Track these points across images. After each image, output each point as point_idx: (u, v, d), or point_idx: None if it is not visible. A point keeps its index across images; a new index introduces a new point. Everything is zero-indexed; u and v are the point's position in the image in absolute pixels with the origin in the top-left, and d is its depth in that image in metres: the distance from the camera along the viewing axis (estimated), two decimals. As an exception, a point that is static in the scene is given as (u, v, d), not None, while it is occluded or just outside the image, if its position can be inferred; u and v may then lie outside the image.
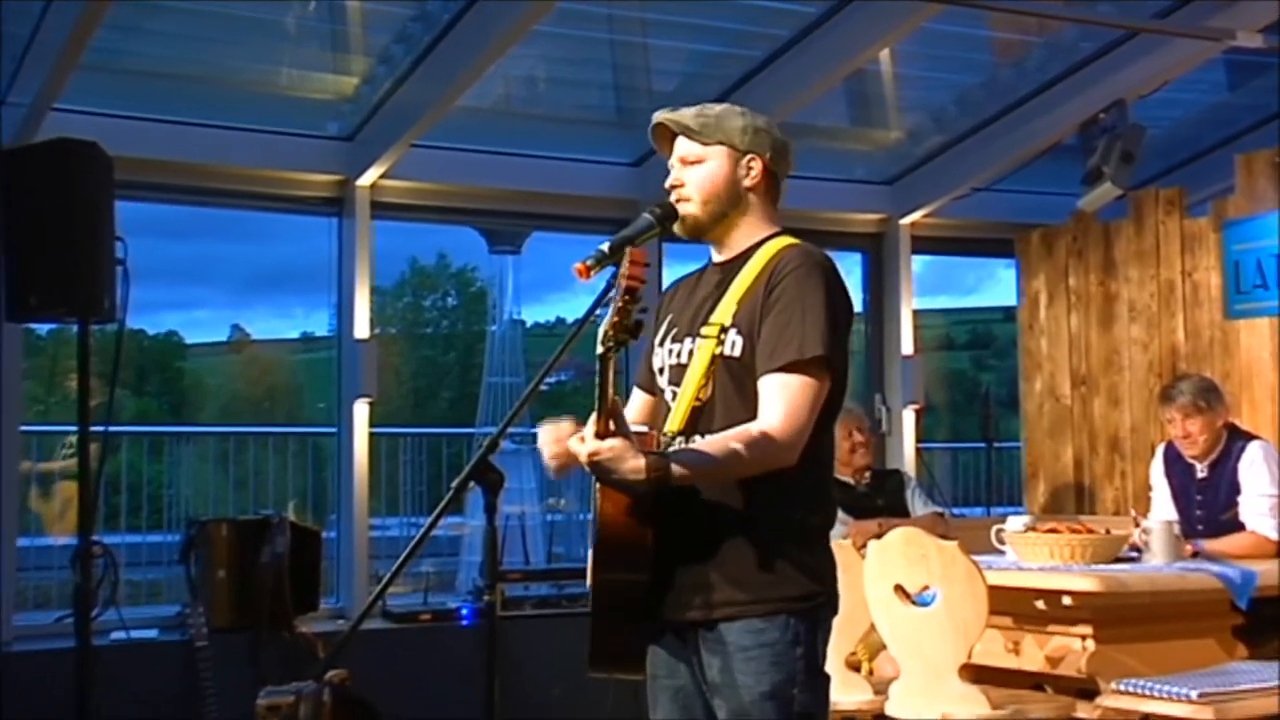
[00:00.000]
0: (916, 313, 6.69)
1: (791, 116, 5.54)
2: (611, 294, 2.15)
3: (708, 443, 2.32)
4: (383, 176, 5.51)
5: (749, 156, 2.48)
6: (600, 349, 2.16)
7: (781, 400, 2.31)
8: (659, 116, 2.53)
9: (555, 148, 5.96)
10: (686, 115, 2.50)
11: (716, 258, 2.54)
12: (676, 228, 2.49)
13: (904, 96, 6.31)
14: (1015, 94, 6.04)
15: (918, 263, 6.77)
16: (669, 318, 2.58)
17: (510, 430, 2.32)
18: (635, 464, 2.21)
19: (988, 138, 6.19)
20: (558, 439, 2.40)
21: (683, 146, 2.49)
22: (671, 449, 2.38)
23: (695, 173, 2.47)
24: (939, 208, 6.52)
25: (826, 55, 5.29)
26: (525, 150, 5.86)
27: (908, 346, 6.54)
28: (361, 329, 5.52)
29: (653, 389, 2.59)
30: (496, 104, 5.75)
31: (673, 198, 2.49)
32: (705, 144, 2.46)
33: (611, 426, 2.21)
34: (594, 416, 2.23)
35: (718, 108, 2.52)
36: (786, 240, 2.48)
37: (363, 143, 5.48)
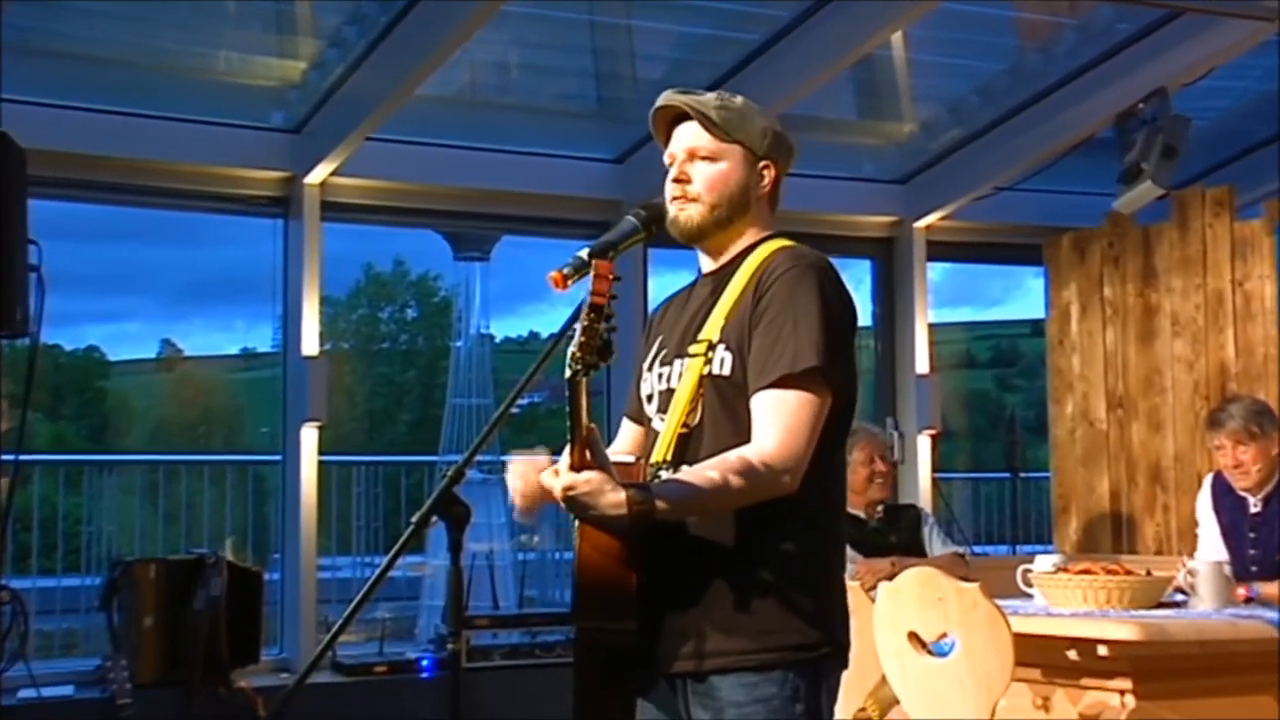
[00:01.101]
0: (933, 327, 6.71)
1: (792, 108, 5.56)
2: (582, 313, 2.16)
3: (695, 472, 2.31)
4: (334, 173, 5.51)
5: (764, 163, 2.49)
6: (568, 373, 2.16)
7: (776, 420, 2.31)
8: (672, 97, 2.51)
9: (528, 142, 5.97)
10: (706, 101, 2.49)
11: (707, 266, 2.55)
12: (672, 228, 2.49)
13: (918, 85, 6.34)
14: (1043, 82, 6.07)
15: (934, 271, 6.81)
16: (659, 340, 2.58)
17: (478, 458, 2.31)
18: (615, 498, 2.20)
19: (1012, 131, 6.22)
20: (526, 477, 2.40)
21: (695, 137, 2.48)
22: (656, 481, 2.38)
23: (708, 170, 2.46)
24: (957, 209, 6.55)
25: (831, 39, 5.31)
26: (494, 145, 5.87)
27: (923, 364, 6.56)
28: (310, 344, 5.51)
29: (641, 419, 2.59)
30: (462, 93, 5.76)
31: (672, 193, 2.48)
32: (722, 140, 2.46)
33: (588, 457, 2.22)
34: (568, 448, 2.23)
35: (739, 100, 2.51)
36: (779, 243, 2.48)
37: (311, 135, 5.48)
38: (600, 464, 2.23)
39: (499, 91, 5.95)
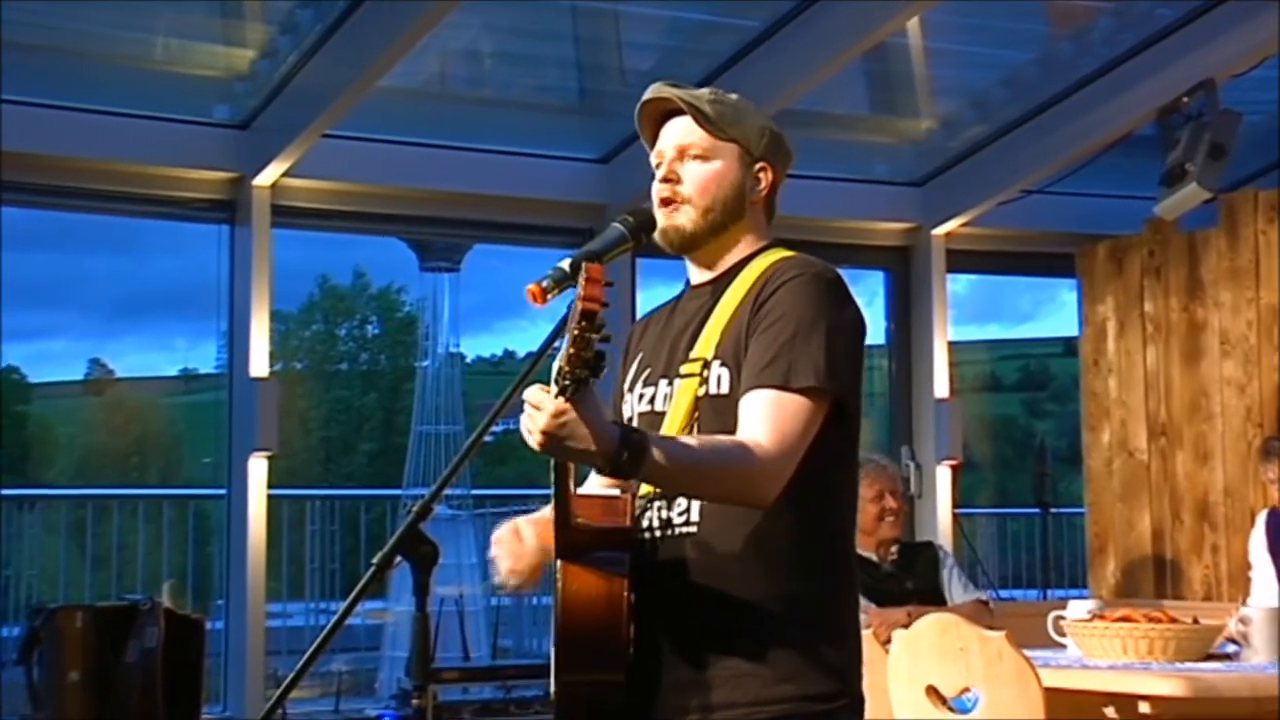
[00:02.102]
0: (953, 345, 6.73)
1: (797, 102, 5.59)
2: (570, 321, 2.14)
3: (694, 438, 2.32)
4: (286, 174, 5.51)
5: (760, 166, 2.50)
6: (554, 390, 2.16)
7: (768, 416, 2.31)
8: (661, 89, 2.51)
9: (503, 140, 5.98)
10: (700, 96, 2.49)
11: (697, 278, 2.55)
12: (660, 237, 2.48)
13: (937, 77, 6.36)
14: (1076, 73, 6.10)
15: (955, 283, 6.84)
16: (639, 357, 2.57)
17: (446, 492, 2.31)
18: (608, 430, 2.16)
19: (1042, 128, 6.25)
20: (516, 551, 2.40)
21: (686, 133, 2.49)
22: (642, 501, 2.39)
23: (699, 171, 2.47)
24: (980, 215, 6.57)
25: (840, 26, 5.33)
26: (466, 143, 5.89)
27: (942, 387, 6.57)
28: (258, 365, 5.50)
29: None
30: (429, 85, 5.78)
31: (660, 194, 2.49)
32: (717, 138, 2.47)
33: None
34: (551, 505, 2.22)
35: (733, 96, 2.53)
36: (780, 252, 2.49)
37: (260, 131, 5.49)
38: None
39: (471, 83, 5.96)
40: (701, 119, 2.48)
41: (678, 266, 2.65)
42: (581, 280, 2.11)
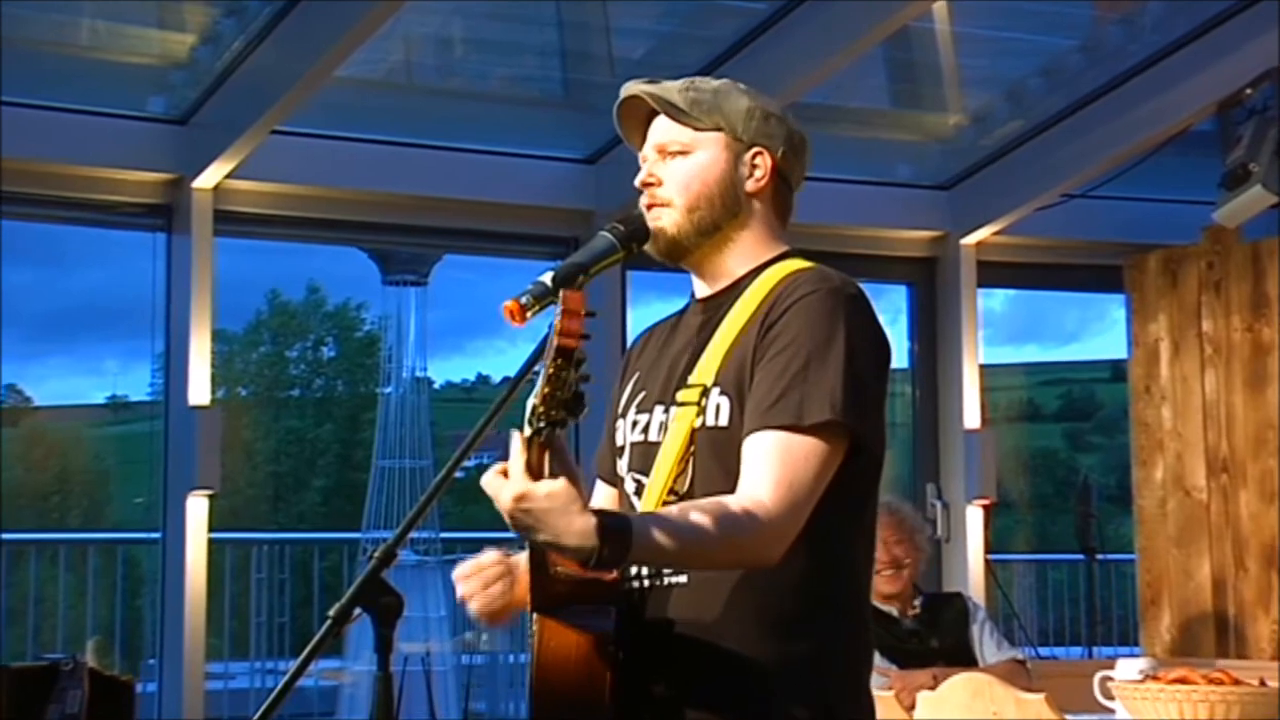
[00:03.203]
0: (985, 369, 6.74)
1: (809, 96, 5.60)
2: (545, 355, 2.14)
3: (684, 507, 2.30)
4: (230, 175, 5.52)
5: (754, 150, 2.50)
6: (527, 430, 2.17)
7: (772, 466, 2.30)
8: (631, 88, 2.54)
9: (477, 137, 6.00)
10: (670, 88, 2.51)
11: (700, 290, 2.56)
12: (652, 247, 2.49)
13: (968, 67, 6.38)
14: (1124, 63, 6.12)
15: (989, 299, 6.86)
16: (635, 377, 2.59)
17: (412, 536, 2.31)
18: (582, 523, 2.16)
19: (1085, 124, 6.27)
20: (485, 579, 2.39)
21: (663, 131, 2.51)
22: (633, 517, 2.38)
23: (678, 167, 2.49)
24: (1016, 222, 6.58)
25: (858, 9, 5.35)
26: (434, 140, 5.90)
27: (973, 417, 6.58)
28: (198, 391, 5.50)
29: (612, 478, 2.59)
30: (393, 75, 5.79)
31: (643, 202, 2.51)
32: (696, 129, 2.49)
33: (547, 463, 2.18)
34: (521, 446, 2.19)
35: (714, 82, 2.54)
36: (795, 263, 2.49)
37: (201, 127, 5.49)
38: (567, 472, 2.19)
39: (440, 73, 5.98)
40: (674, 112, 2.49)
41: (674, 280, 2.66)
42: (557, 311, 2.12)
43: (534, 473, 2.17)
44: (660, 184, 2.49)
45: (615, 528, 2.18)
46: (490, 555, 2.42)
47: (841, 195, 6.35)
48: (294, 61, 5.10)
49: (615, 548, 2.17)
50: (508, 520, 2.17)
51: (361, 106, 5.74)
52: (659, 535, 2.23)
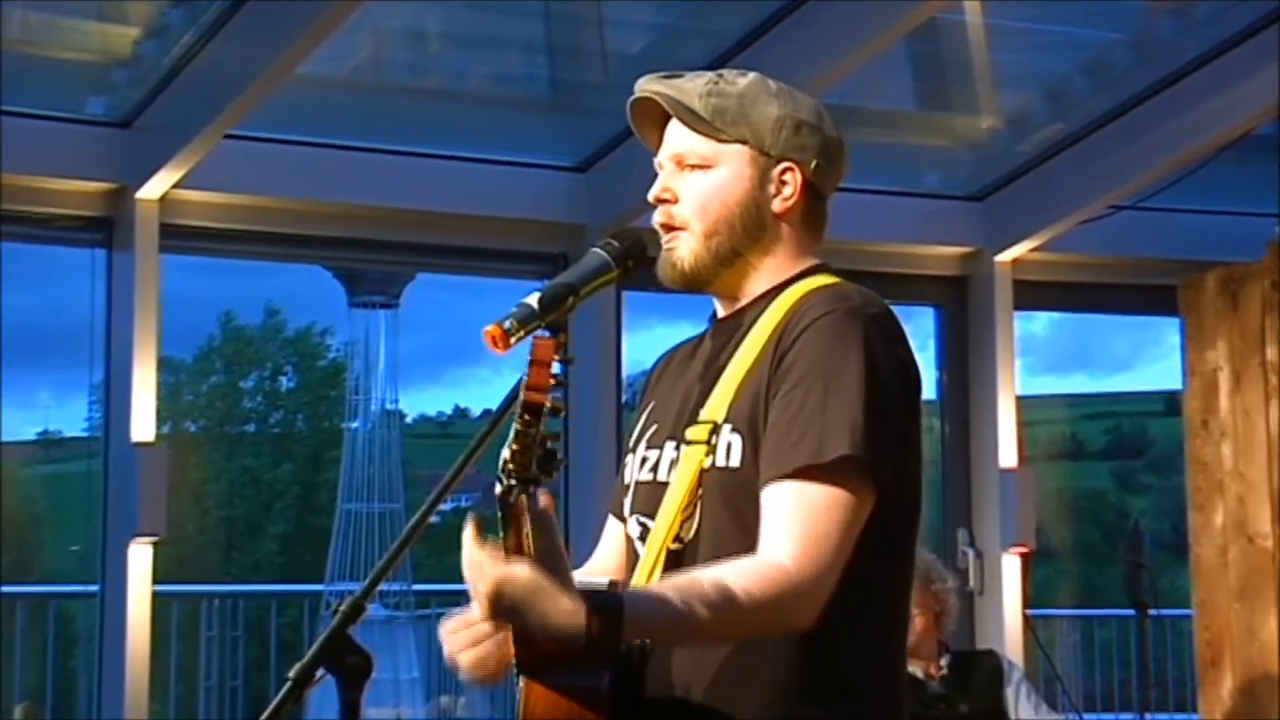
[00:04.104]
0: (1024, 401, 6.73)
1: (824, 96, 5.55)
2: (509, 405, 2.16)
3: (686, 581, 2.30)
4: (178, 184, 5.52)
5: (784, 166, 2.50)
6: (498, 488, 2.17)
7: (794, 523, 2.30)
8: (646, 86, 2.54)
9: (455, 142, 6.01)
10: (690, 91, 2.50)
11: (721, 312, 2.56)
12: (662, 274, 2.50)
13: (1003, 64, 6.40)
14: (1178, 59, 6.12)
15: (1029, 323, 6.88)
16: (650, 407, 2.60)
17: (381, 588, 2.32)
18: (566, 605, 2.18)
19: (1135, 127, 6.28)
20: (475, 635, 2.37)
21: (681, 139, 2.51)
22: (627, 591, 2.37)
23: (697, 184, 2.48)
24: (1057, 237, 6.59)
25: (879, 1, 5.37)
26: (407, 146, 5.91)
27: (1009, 454, 6.58)
28: (142, 427, 5.50)
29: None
30: (361, 73, 5.80)
31: (657, 219, 2.52)
32: (720, 140, 2.48)
33: (528, 543, 2.20)
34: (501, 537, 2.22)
35: (741, 81, 2.52)
36: (816, 280, 2.49)
37: (146, 131, 5.50)
38: (551, 547, 2.22)
39: (414, 71, 5.98)
40: (693, 121, 2.49)
41: (677, 302, 2.66)
42: (529, 360, 2.13)
43: (515, 553, 2.19)
44: (676, 200, 2.49)
45: (606, 609, 2.19)
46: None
47: (861, 207, 6.33)
48: (250, 57, 5.11)
49: (606, 630, 2.19)
50: (490, 607, 2.19)
51: (326, 108, 5.75)
52: (659, 614, 2.24)
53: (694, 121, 2.48)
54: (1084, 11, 6.14)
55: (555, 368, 2.15)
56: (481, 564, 2.19)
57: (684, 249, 2.48)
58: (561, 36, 5.97)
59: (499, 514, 2.19)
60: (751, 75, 2.54)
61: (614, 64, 5.93)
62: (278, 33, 5.02)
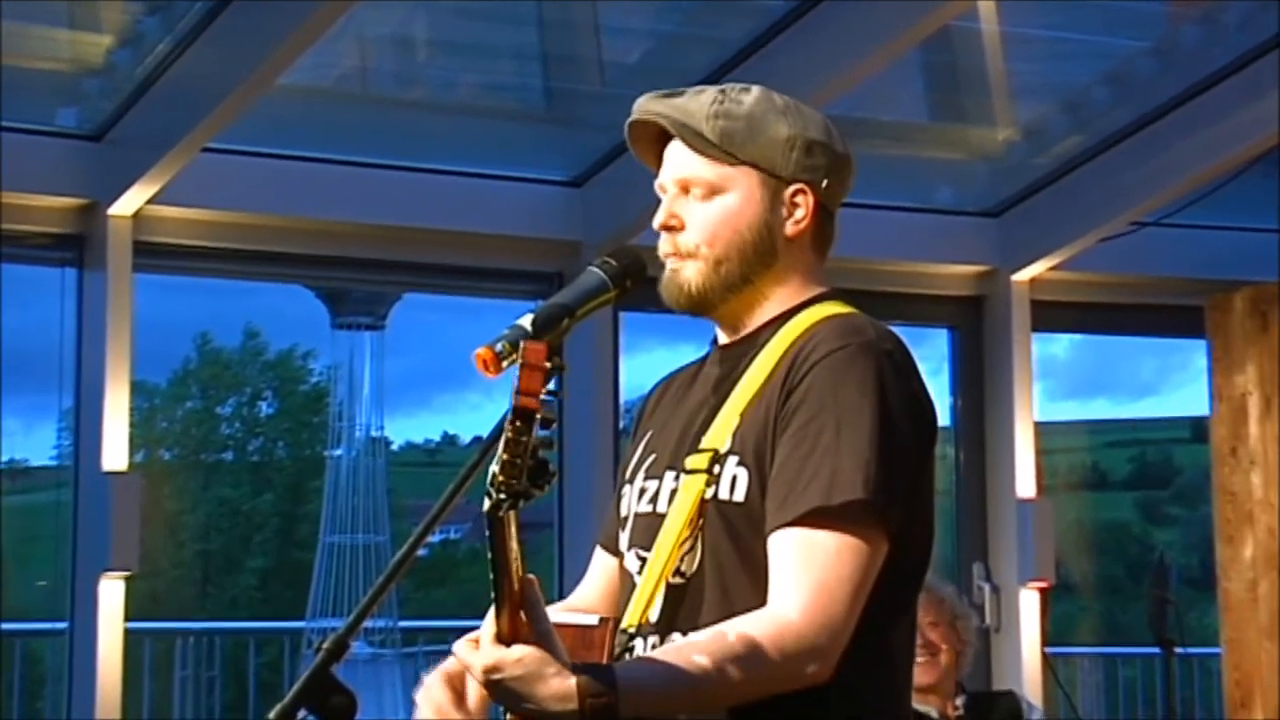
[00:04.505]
0: (1042, 427, 6.73)
1: (833, 106, 5.60)
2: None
3: (680, 649, 2.31)
4: (153, 200, 5.53)
5: (796, 188, 2.51)
6: (486, 504, 2.17)
7: (804, 573, 2.31)
8: (648, 108, 2.54)
9: (444, 155, 6.02)
10: (695, 112, 2.50)
11: (723, 338, 2.57)
12: (666, 294, 2.51)
13: (1020, 74, 6.40)
14: (1204, 67, 6.12)
15: (1049, 345, 6.86)
16: (647, 437, 2.61)
17: (366, 625, 2.32)
18: (559, 687, 2.20)
19: (1158, 139, 6.28)
20: (439, 707, 2.39)
21: (685, 163, 2.51)
22: (625, 661, 2.38)
23: (705, 210, 2.48)
24: (1077, 255, 6.59)
25: (890, 7, 5.37)
26: (394, 159, 5.91)
27: (1027, 484, 6.58)
28: (114, 455, 5.50)
29: (618, 549, 2.60)
30: (346, 83, 5.81)
31: (663, 248, 2.51)
32: (728, 163, 2.48)
33: (521, 622, 2.22)
34: (492, 609, 2.23)
35: (747, 99, 2.51)
36: (826, 309, 2.50)
37: (119, 144, 5.50)
38: (540, 633, 2.23)
39: (401, 81, 5.99)
40: (698, 145, 2.48)
41: (678, 324, 2.66)
42: (519, 365, 2.13)
43: (505, 640, 2.21)
44: (683, 227, 2.50)
45: (599, 687, 2.21)
46: (439, 677, 2.42)
47: (871, 223, 6.33)
48: (228, 67, 5.12)
49: (600, 703, 2.21)
50: (485, 689, 2.25)
51: (308, 119, 5.76)
52: (660, 686, 2.25)
53: (702, 146, 2.48)
54: (1105, 18, 6.15)
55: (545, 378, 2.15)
56: (479, 648, 2.24)
57: (692, 272, 2.49)
58: (556, 44, 5.98)
59: (486, 533, 2.19)
60: (756, 91, 2.53)
61: (611, 73, 5.94)
62: (258, 40, 5.03)
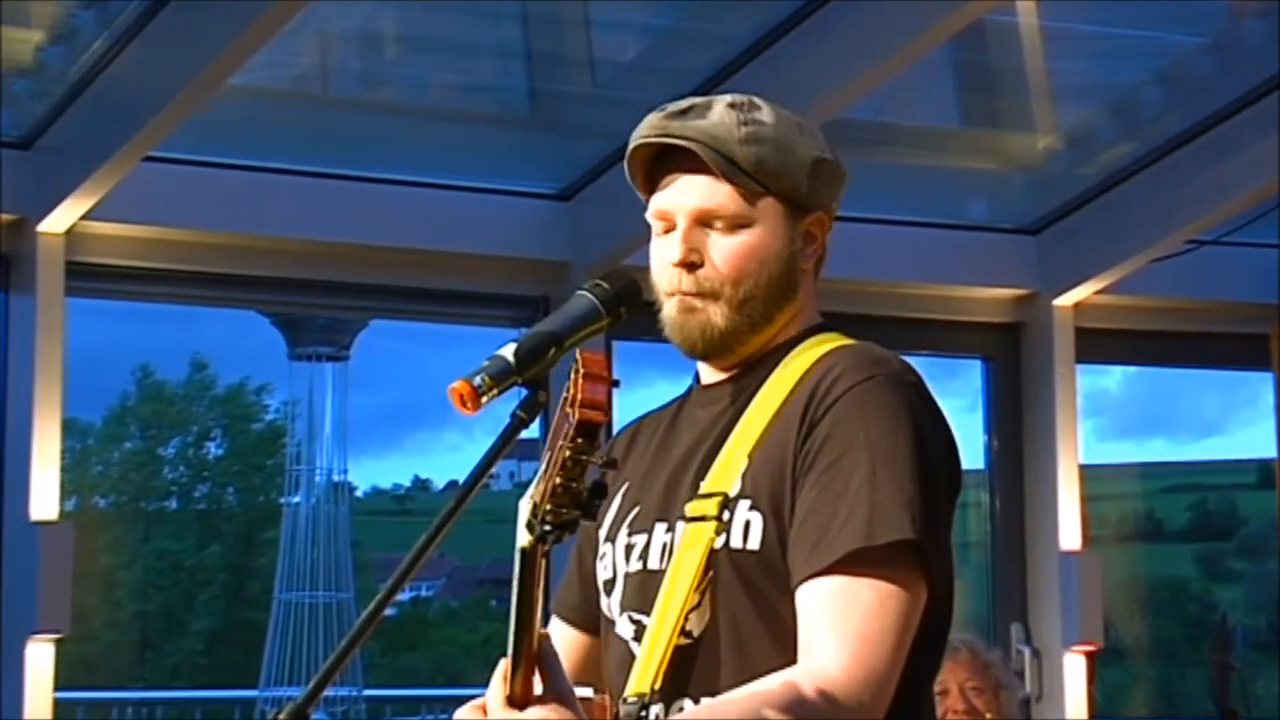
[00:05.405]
0: (1088, 471, 6.73)
1: (852, 110, 5.62)
2: (556, 435, 2.13)
3: (717, 705, 2.33)
4: (88, 215, 5.53)
5: (813, 216, 2.53)
6: (526, 538, 2.16)
7: (842, 624, 2.32)
8: (666, 128, 2.52)
9: (416, 166, 6.03)
10: (724, 133, 2.49)
11: (710, 375, 2.58)
12: (673, 334, 2.51)
13: (1061, 73, 6.41)
14: (1268, 67, 6.10)
15: (1097, 378, 6.89)
16: (624, 488, 2.61)
17: (328, 693, 2.32)
18: None
19: (1217, 147, 6.28)
20: None
21: (709, 193, 2.50)
22: (632, 705, 2.39)
23: (731, 246, 2.49)
24: (1127, 277, 6.60)
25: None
26: (359, 170, 5.92)
27: (1071, 535, 6.57)
28: (43, 503, 5.50)
29: (587, 621, 2.62)
30: (305, 84, 5.82)
31: (680, 286, 2.50)
32: (757, 195, 2.49)
33: (538, 684, 2.22)
34: (504, 664, 2.24)
35: (766, 118, 2.52)
36: (831, 340, 2.52)
37: (50, 152, 5.51)
38: (558, 694, 2.24)
39: (367, 82, 6.00)
40: (732, 172, 2.48)
41: (675, 354, 2.66)
42: (577, 377, 2.12)
43: (519, 704, 2.22)
44: (703, 264, 2.50)
45: None
46: None
47: (895, 241, 6.35)
48: (173, 66, 5.13)
49: None
50: None
51: (263, 125, 5.77)
52: None
53: (733, 174, 2.49)
54: (1157, 11, 6.16)
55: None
56: (489, 714, 2.25)
57: (715, 316, 2.49)
58: (541, 40, 5.98)
59: (517, 576, 2.18)
60: (767, 107, 2.53)
61: (602, 73, 5.95)
62: (206, 37, 5.03)
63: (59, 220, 5.51)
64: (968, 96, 6.48)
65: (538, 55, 6.03)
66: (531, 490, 2.13)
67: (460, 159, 6.11)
